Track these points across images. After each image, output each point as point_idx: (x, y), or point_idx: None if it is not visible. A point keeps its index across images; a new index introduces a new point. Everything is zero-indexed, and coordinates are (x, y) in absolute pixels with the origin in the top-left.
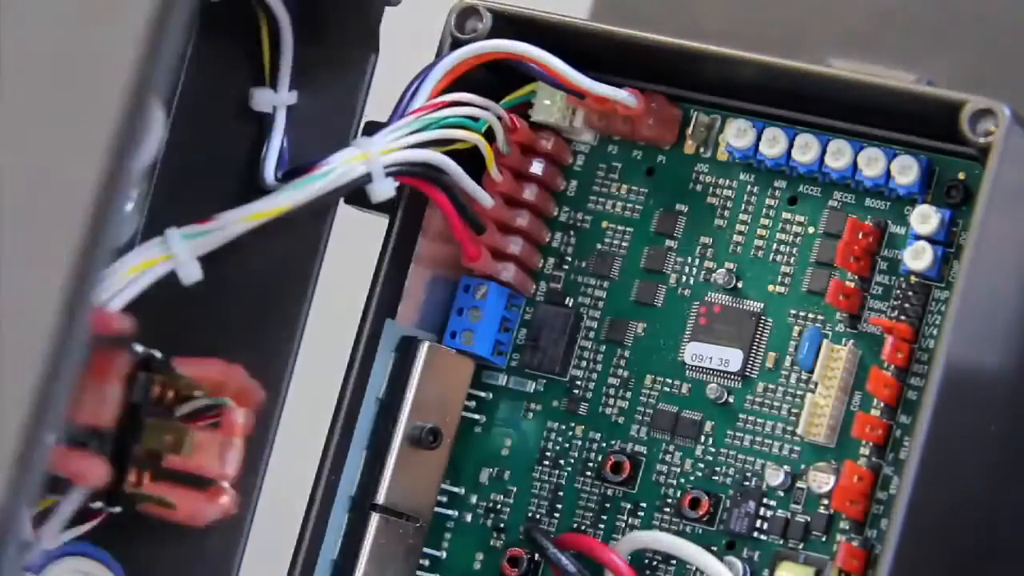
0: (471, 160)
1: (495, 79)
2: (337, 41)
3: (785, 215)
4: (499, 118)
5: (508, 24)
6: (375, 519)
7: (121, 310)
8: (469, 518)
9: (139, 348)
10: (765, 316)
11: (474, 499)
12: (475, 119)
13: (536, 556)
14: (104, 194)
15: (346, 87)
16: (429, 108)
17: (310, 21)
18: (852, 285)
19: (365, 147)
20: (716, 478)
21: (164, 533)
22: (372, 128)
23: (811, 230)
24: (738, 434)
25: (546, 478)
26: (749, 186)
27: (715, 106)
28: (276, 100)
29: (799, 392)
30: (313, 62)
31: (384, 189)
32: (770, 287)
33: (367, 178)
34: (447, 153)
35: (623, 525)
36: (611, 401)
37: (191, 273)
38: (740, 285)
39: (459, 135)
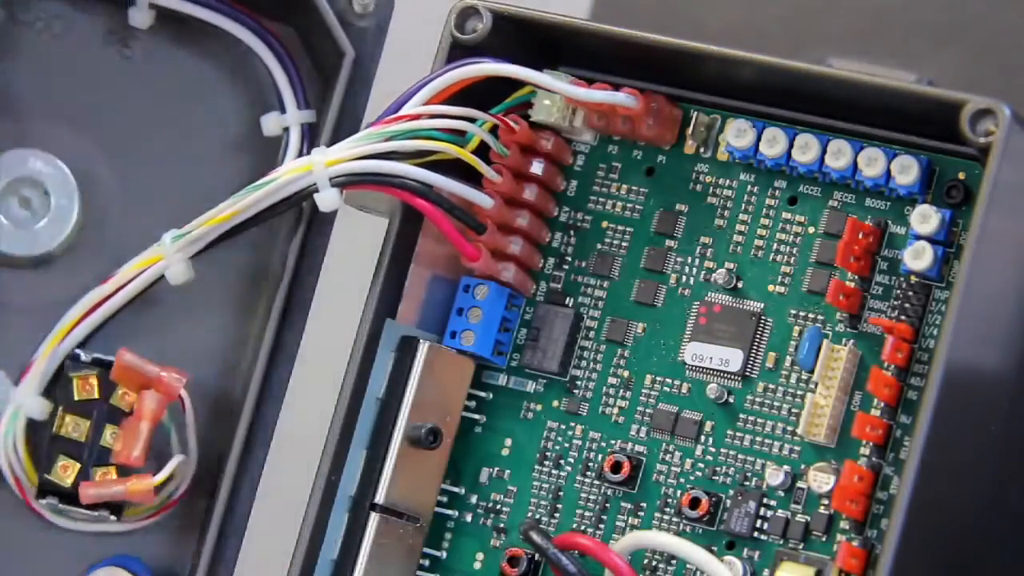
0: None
1: (498, 81)
2: (314, 54)
3: (785, 215)
4: (494, 126)
5: (508, 24)
6: (375, 519)
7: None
8: (469, 518)
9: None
10: (765, 316)
11: (474, 499)
12: (454, 131)
13: (536, 556)
14: None
15: (330, 96)
16: (390, 120)
17: (286, 42)
18: (852, 285)
19: (314, 158)
20: (716, 478)
21: (186, 536)
22: None
23: (811, 230)
24: (738, 434)
25: (546, 478)
26: (749, 186)
27: (715, 106)
28: (285, 121)
29: (799, 392)
30: (309, 79)
31: (328, 198)
32: (770, 287)
33: (313, 188)
34: (431, 164)
35: (623, 525)
36: (611, 401)
37: (177, 273)
38: (740, 285)
39: (424, 146)
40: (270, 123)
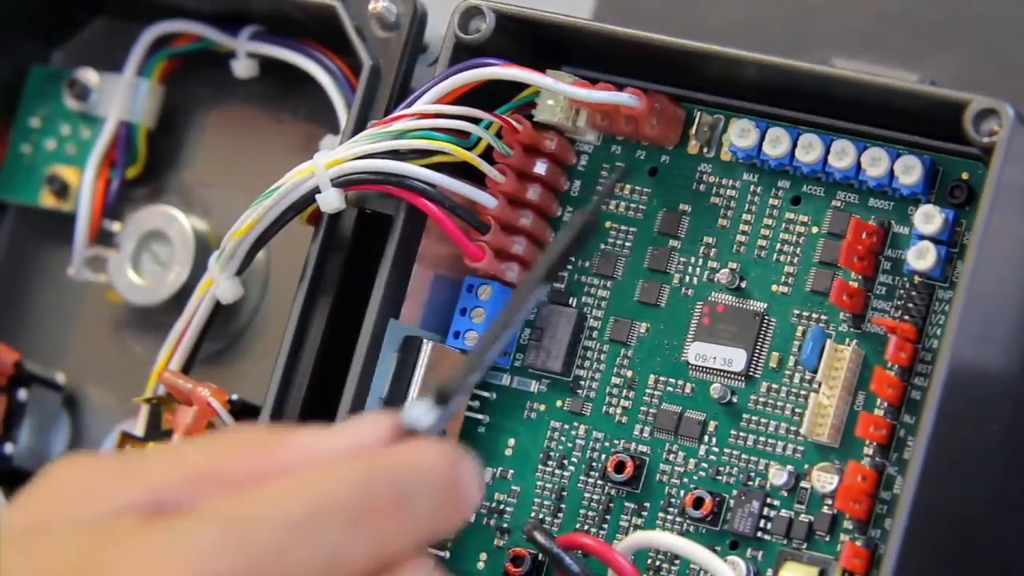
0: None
1: (502, 81)
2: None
3: (788, 215)
4: (498, 125)
5: (511, 24)
6: None
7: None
8: (472, 518)
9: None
10: (769, 316)
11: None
12: (455, 132)
13: (540, 556)
14: None
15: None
16: (390, 120)
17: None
18: (856, 285)
19: (316, 160)
20: (720, 478)
21: None
22: None
23: (815, 230)
24: (742, 434)
25: (550, 478)
26: (752, 186)
27: (719, 106)
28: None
29: (803, 392)
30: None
31: (330, 200)
32: (773, 287)
33: (315, 190)
34: (435, 164)
35: (627, 525)
36: (614, 401)
37: (226, 292)
38: (744, 285)
39: (422, 145)
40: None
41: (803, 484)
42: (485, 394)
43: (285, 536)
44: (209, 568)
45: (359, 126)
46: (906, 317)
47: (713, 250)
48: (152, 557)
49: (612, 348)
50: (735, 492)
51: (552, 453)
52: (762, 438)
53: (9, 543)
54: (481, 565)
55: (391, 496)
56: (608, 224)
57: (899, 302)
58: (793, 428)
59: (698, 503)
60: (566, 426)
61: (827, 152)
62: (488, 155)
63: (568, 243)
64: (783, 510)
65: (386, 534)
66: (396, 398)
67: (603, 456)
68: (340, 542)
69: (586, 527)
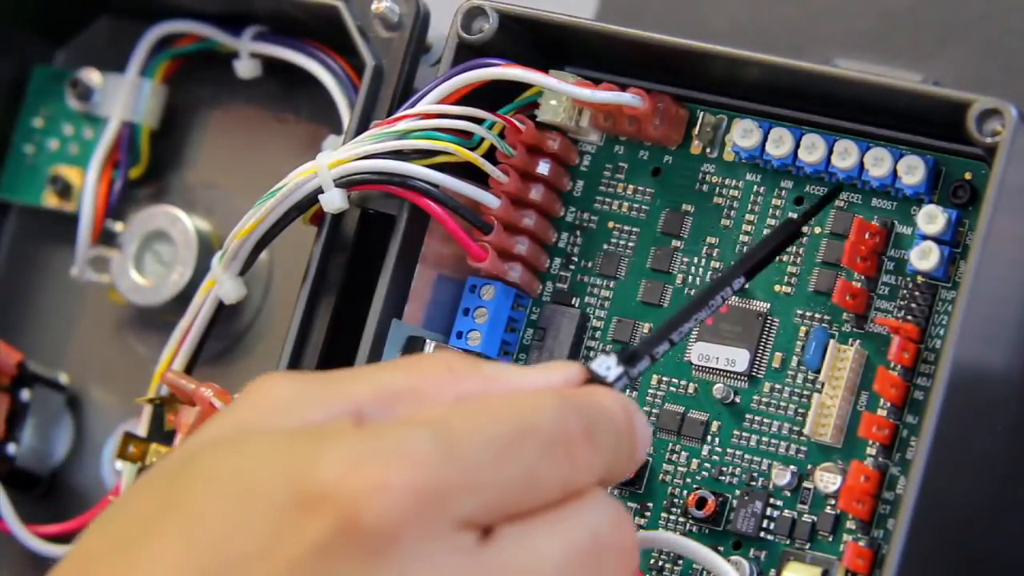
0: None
1: (505, 80)
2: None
3: (792, 215)
4: (501, 125)
5: (514, 24)
6: None
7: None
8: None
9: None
10: (771, 316)
11: None
12: (458, 132)
13: None
14: None
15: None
16: (393, 121)
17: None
18: (858, 285)
19: (319, 160)
20: (723, 478)
21: None
22: None
23: (817, 230)
24: (745, 434)
25: None
26: (755, 186)
27: (721, 106)
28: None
29: (806, 392)
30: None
31: (333, 200)
32: (776, 287)
33: (318, 190)
34: (438, 164)
35: None
36: None
37: (228, 292)
38: (747, 285)
39: (425, 145)
40: (328, 146)
41: (806, 484)
42: None
43: (493, 451)
44: (423, 471)
45: (362, 126)
46: (909, 317)
47: (716, 250)
48: (366, 456)
49: (615, 349)
50: (738, 492)
51: None
52: (765, 438)
53: (217, 445)
54: None
55: (582, 427)
56: (611, 224)
57: (902, 302)
58: (796, 428)
59: (701, 503)
60: None
61: (830, 152)
62: (491, 155)
63: (774, 246)
64: (786, 510)
65: (577, 462)
66: None
67: None
68: (538, 464)
69: None
